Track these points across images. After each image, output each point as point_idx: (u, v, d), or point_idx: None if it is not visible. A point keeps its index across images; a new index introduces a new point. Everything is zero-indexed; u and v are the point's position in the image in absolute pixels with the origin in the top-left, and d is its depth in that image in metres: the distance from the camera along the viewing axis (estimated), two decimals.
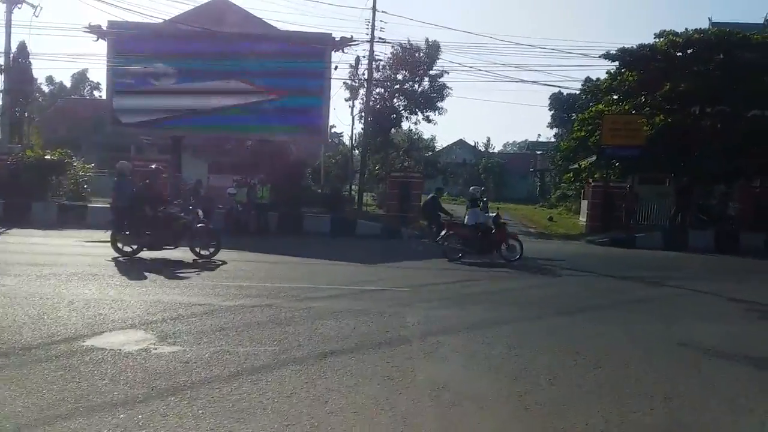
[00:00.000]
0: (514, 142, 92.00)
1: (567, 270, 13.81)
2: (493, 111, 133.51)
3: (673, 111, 22.76)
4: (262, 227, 19.94)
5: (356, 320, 7.62)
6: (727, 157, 20.44)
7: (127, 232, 12.84)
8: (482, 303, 9.39)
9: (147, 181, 13.35)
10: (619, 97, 25.05)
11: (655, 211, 24.42)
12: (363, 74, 31.98)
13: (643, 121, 22.37)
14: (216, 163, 29.82)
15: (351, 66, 27.83)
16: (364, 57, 25.74)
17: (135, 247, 12.86)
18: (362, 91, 33.02)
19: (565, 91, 49.79)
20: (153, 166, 14.57)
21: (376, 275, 11.81)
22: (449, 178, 46.51)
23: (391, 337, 6.97)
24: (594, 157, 24.76)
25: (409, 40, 32.88)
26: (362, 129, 27.67)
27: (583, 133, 25.32)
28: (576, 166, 27.41)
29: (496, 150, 69.08)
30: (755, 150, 20.68)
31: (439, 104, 36.53)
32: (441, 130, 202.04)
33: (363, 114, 28.06)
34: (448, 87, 35.76)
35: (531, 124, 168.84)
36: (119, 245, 12.87)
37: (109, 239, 13.13)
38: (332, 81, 26.14)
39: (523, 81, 67.83)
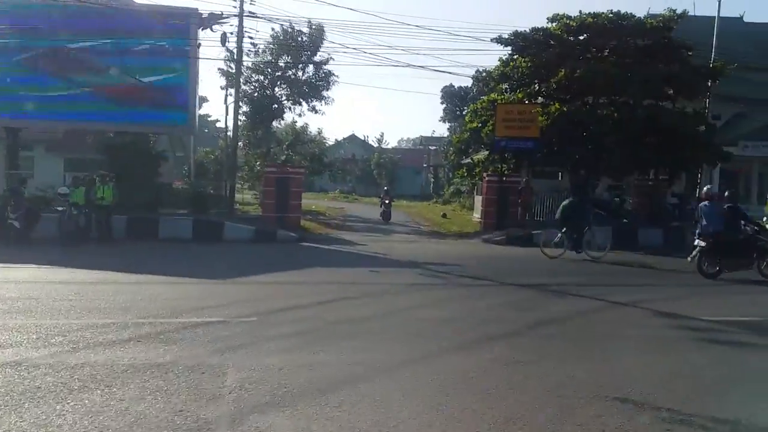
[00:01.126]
0: (408, 138, 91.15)
1: (464, 278, 11.62)
2: (385, 104, 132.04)
3: (568, 100, 21.52)
4: (104, 234, 16.36)
5: (141, 389, 4.80)
6: (624, 149, 19.32)
7: None
8: (348, 337, 6.79)
9: None
10: (512, 85, 23.56)
11: (552, 206, 23.12)
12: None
13: (538, 111, 20.94)
14: (74, 160, 25.70)
15: (227, 50, 24.46)
16: (232, 34, 22.47)
17: None
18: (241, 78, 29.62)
19: (456, 84, 48.85)
20: None
21: (219, 298, 8.95)
22: (337, 174, 43.90)
23: (181, 425, 4.20)
24: (488, 151, 23.17)
25: (291, 23, 29.87)
26: (235, 118, 24.29)
27: (475, 125, 23.64)
28: (469, 160, 25.83)
29: (390, 146, 67.46)
30: (652, 141, 19.77)
31: (325, 93, 33.83)
32: (332, 125, 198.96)
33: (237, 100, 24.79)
34: (334, 74, 33.19)
35: (425, 119, 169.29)
36: None
37: None
38: (202, 63, 22.90)
39: (410, 65, 65.59)
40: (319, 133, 40.21)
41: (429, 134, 67.09)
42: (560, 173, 24.51)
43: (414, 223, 27.02)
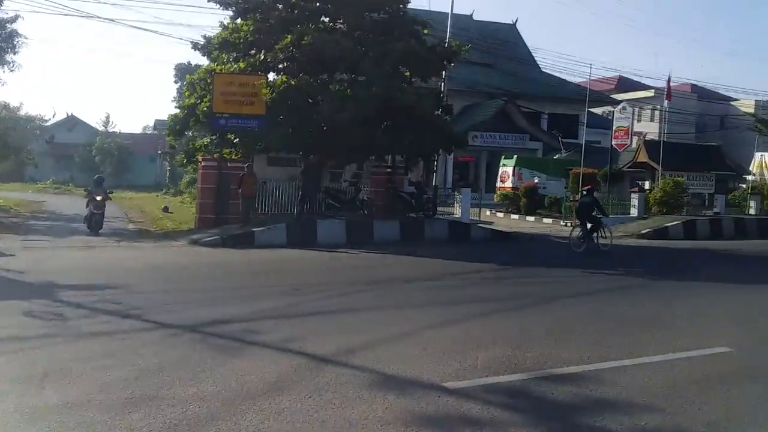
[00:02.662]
0: (147, 126, 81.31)
1: (114, 316, 7.54)
2: (113, 82, 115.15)
3: (297, 73, 18.48)
4: None
5: None
6: (359, 131, 16.89)
7: None
8: None
9: None
10: (236, 55, 19.80)
11: (285, 197, 20.00)
12: None
13: (263, 82, 17.55)
14: None
15: None
16: None
17: None
18: None
19: (195, 61, 43.32)
20: None
21: None
22: (28, 159, 35.26)
23: None
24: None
25: None
26: None
27: (192, 101, 19.42)
28: (190, 144, 21.58)
29: (119, 130, 58.52)
30: (389, 123, 17.73)
31: (10, 57, 26.45)
32: (41, 103, 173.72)
33: None
34: (21, 35, 26.08)
35: (162, 100, 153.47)
36: None
37: None
38: None
39: (113, 20, 56.41)
40: (5, 107, 31.78)
41: (164, 117, 59.79)
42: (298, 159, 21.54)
43: (124, 220, 21.90)
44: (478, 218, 21.25)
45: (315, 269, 12.29)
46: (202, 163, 18.42)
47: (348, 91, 17.51)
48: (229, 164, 18.12)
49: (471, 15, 46.19)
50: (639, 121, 56.87)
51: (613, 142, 24.80)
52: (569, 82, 47.05)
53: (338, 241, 15.66)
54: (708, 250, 17.72)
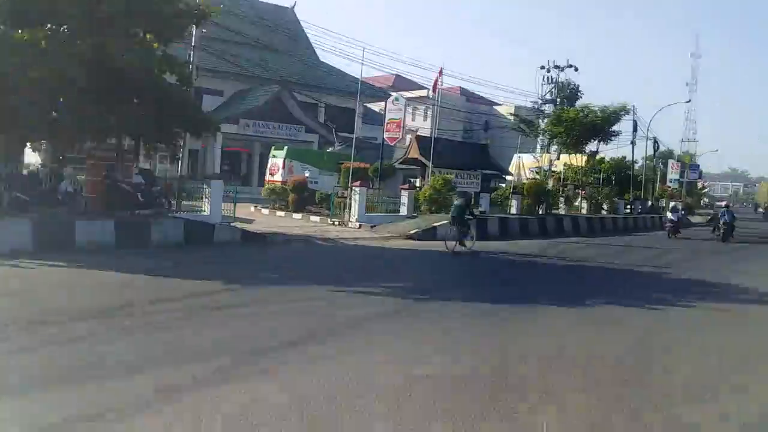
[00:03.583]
0: None
1: None
2: None
3: None
4: None
5: None
6: (51, 100, 12.48)
7: None
8: None
9: None
10: None
11: None
12: None
13: None
14: None
15: None
16: None
17: None
18: None
19: None
20: None
21: None
22: None
23: None
24: None
25: None
26: None
27: None
28: None
29: None
30: (106, 96, 13.47)
31: None
32: None
33: None
34: None
35: None
36: None
37: None
38: None
39: None
40: None
41: None
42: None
43: None
44: (233, 216, 17.91)
45: None
46: None
47: (43, 43, 12.92)
48: None
49: None
50: (413, 119, 58.52)
51: (384, 135, 23.26)
52: (349, 75, 45.65)
53: (19, 247, 11.23)
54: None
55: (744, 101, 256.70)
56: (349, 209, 21.34)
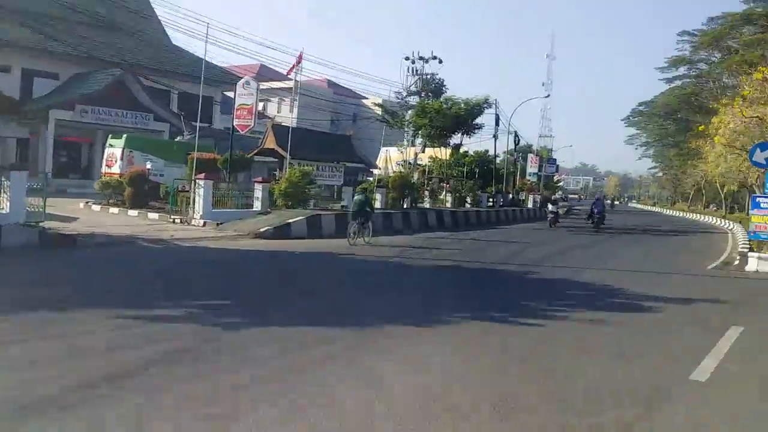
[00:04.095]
0: None
1: None
2: None
3: None
4: None
5: None
6: None
7: None
8: None
9: None
10: None
11: None
12: None
13: None
14: None
15: None
16: None
17: None
18: None
19: None
20: None
21: None
22: None
23: None
24: None
25: None
26: None
27: None
28: None
29: None
30: None
31: None
32: None
33: None
34: None
35: None
36: None
37: None
38: None
39: None
40: None
41: None
42: None
43: None
44: (42, 213, 14.89)
45: None
46: None
47: None
48: None
49: None
50: (279, 111, 56.02)
51: (235, 122, 20.99)
52: (207, 61, 42.23)
53: None
54: (296, 254, 14.16)
55: (593, 101, 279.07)
56: (193, 205, 18.96)
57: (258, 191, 20.34)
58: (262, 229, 16.70)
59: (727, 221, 39.90)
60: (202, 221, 18.21)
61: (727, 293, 11.62)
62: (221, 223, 17.80)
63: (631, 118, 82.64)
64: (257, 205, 20.17)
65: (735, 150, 21.81)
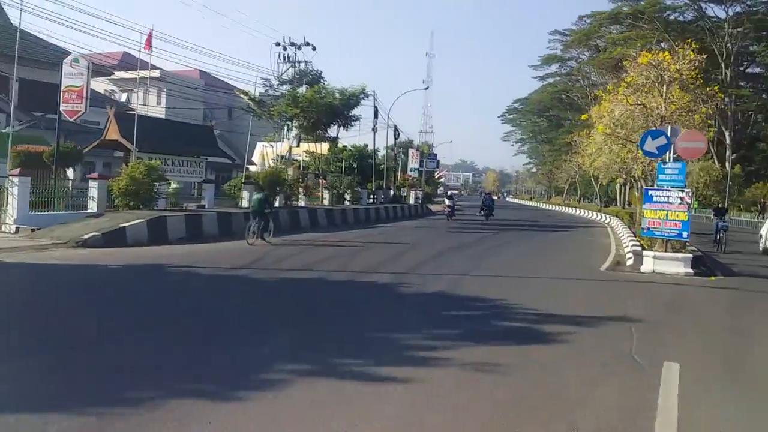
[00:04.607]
0: None
1: None
2: None
3: None
4: None
5: None
6: None
7: None
8: None
9: None
10: None
11: None
12: None
13: None
14: None
15: None
16: None
17: None
18: None
19: None
20: None
21: None
22: None
23: None
24: None
25: None
26: None
27: None
28: None
29: None
30: None
31: None
32: None
33: None
34: None
35: None
36: None
37: None
38: None
39: None
40: None
41: None
42: None
43: None
44: None
45: None
46: None
47: None
48: None
49: None
50: (146, 103, 51.19)
51: (61, 108, 17.59)
52: (51, 44, 37.18)
53: None
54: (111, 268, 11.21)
55: (472, 98, 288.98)
56: (6, 207, 15.49)
57: (94, 189, 17.14)
58: (86, 236, 13.60)
59: (603, 215, 41.09)
60: (14, 227, 14.85)
61: (634, 306, 9.59)
62: (37, 229, 14.55)
63: (506, 115, 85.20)
64: (92, 206, 16.99)
65: (619, 140, 21.29)
